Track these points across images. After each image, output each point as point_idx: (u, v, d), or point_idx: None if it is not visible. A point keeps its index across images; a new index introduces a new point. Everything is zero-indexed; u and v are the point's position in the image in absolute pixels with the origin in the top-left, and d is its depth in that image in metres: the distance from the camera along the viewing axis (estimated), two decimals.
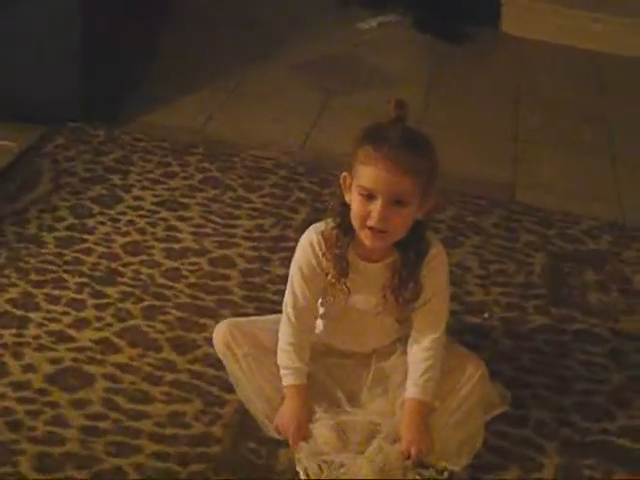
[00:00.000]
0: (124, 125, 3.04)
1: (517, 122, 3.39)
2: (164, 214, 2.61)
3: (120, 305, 2.24)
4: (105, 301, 2.25)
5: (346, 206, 1.85)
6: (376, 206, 1.76)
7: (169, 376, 2.05)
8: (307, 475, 1.81)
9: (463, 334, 2.26)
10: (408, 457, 1.84)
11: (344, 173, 1.84)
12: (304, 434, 1.86)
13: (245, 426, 1.93)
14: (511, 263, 2.56)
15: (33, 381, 1.99)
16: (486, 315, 2.35)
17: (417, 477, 1.83)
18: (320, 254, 1.88)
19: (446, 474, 1.86)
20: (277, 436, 1.89)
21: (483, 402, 1.96)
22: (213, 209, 2.66)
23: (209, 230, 2.56)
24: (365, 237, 1.82)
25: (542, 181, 3.01)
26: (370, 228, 1.79)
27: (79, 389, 1.99)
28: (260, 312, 2.24)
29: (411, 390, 1.89)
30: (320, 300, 1.95)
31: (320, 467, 1.81)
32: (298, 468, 1.83)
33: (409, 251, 1.87)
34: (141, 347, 2.12)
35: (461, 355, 1.98)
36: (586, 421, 2.04)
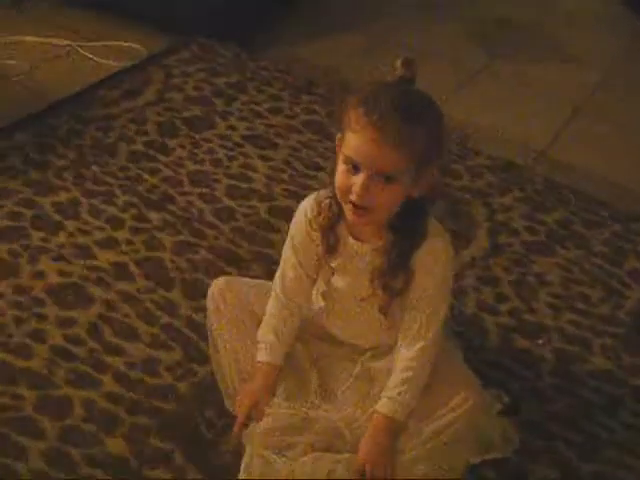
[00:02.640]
0: (256, 51, 2.93)
1: None
2: (248, 149, 2.49)
3: (155, 233, 2.17)
4: (143, 225, 2.19)
5: None
6: (358, 179, 1.53)
7: (165, 318, 1.96)
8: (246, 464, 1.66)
9: (503, 355, 1.99)
10: (360, 476, 1.65)
11: (338, 134, 1.61)
12: (256, 416, 1.70)
13: (211, 391, 1.80)
14: (601, 291, 2.22)
15: (34, 288, 1.98)
16: (540, 342, 2.05)
17: None
18: (311, 222, 1.69)
19: None
20: (233, 411, 1.75)
21: (475, 440, 1.71)
22: (301, 155, 2.50)
23: (286, 176, 2.42)
24: (347, 211, 1.59)
25: None
26: (352, 202, 1.58)
27: (73, 308, 1.95)
28: None
29: (383, 402, 1.67)
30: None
31: (253, 457, 1.66)
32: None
33: (402, 235, 1.62)
34: (154, 281, 2.05)
35: (456, 377, 1.71)
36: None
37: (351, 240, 1.67)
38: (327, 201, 1.67)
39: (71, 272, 2.03)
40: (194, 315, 1.97)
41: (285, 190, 2.37)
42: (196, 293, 2.02)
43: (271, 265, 2.12)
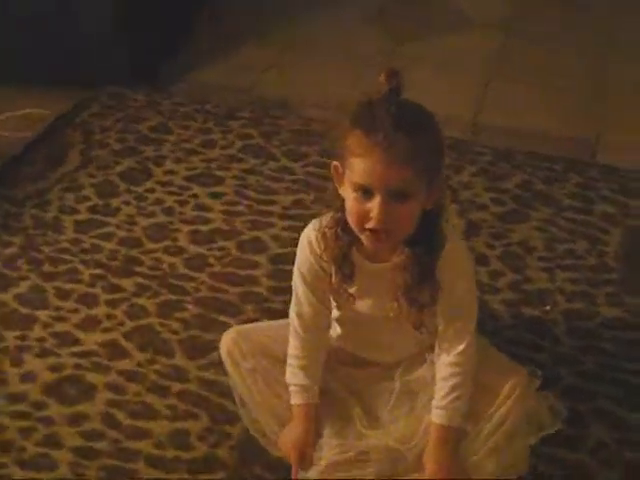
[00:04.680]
0: (167, 87, 2.83)
1: (607, 71, 2.99)
2: (196, 190, 2.39)
3: (134, 300, 2.06)
4: (119, 295, 2.07)
5: (343, 200, 1.57)
6: (375, 204, 1.47)
7: (177, 386, 1.86)
8: None
9: (518, 330, 1.98)
10: None
11: (335, 162, 1.55)
12: (307, 461, 1.63)
13: (252, 447, 1.72)
14: (582, 241, 2.23)
15: (30, 392, 1.84)
16: (548, 307, 2.04)
17: None
18: (319, 254, 1.63)
19: None
20: (281, 454, 1.68)
21: (527, 422, 1.68)
22: (250, 182, 2.42)
23: (242, 208, 2.33)
24: (366, 239, 1.54)
25: (630, 139, 2.63)
26: (371, 230, 1.52)
27: (78, 402, 1.82)
28: (288, 307, 2.01)
29: (436, 413, 1.63)
30: (334, 303, 1.70)
31: None
32: None
33: (421, 247, 1.57)
34: (151, 351, 1.93)
35: (498, 367, 1.68)
36: None
37: (368, 263, 1.62)
38: (333, 231, 1.61)
39: (62, 364, 1.90)
40: (205, 374, 1.87)
41: (247, 222, 2.28)
42: (198, 351, 1.93)
43: (263, 303, 2.06)
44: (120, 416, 1.79)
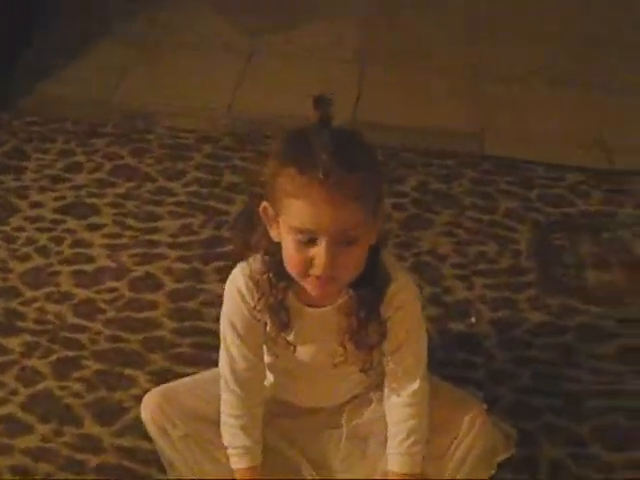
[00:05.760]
0: (15, 106, 2.53)
1: (480, 53, 2.92)
2: (70, 224, 2.15)
3: (25, 362, 1.80)
4: (6, 358, 1.81)
5: (275, 244, 1.40)
6: (320, 250, 1.31)
7: (93, 460, 1.63)
8: None
9: (448, 349, 1.87)
10: None
11: (264, 203, 1.38)
12: None
13: None
14: (492, 242, 2.15)
15: None
16: (473, 320, 1.95)
17: None
18: (252, 304, 1.45)
19: None
20: None
21: (487, 454, 1.58)
22: (129, 209, 2.20)
23: (126, 240, 2.11)
24: (309, 286, 1.37)
25: (512, 126, 2.57)
26: (315, 277, 1.35)
27: None
28: (198, 351, 1.84)
29: (395, 460, 1.49)
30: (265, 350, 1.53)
31: None
32: None
33: (365, 286, 1.42)
34: (55, 421, 1.70)
35: (452, 401, 1.56)
36: (609, 451, 1.68)
37: (308, 309, 1.45)
38: (265, 277, 1.43)
39: None
40: (121, 441, 1.66)
41: (134, 256, 2.06)
42: (108, 415, 1.71)
43: (169, 349, 1.86)
44: None
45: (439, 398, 1.54)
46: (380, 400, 1.56)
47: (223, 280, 1.93)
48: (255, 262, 1.45)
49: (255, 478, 1.49)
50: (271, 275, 1.42)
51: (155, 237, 2.11)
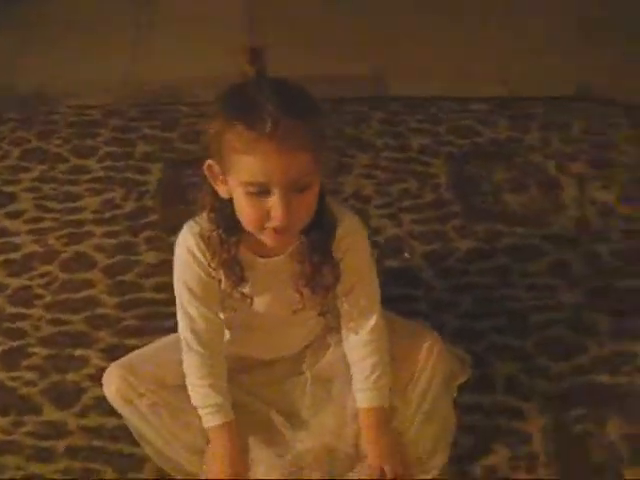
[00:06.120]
0: None
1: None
2: None
3: None
4: None
5: (221, 199, 1.41)
6: (274, 201, 1.32)
7: (61, 444, 1.61)
8: None
9: (389, 286, 1.89)
10: (381, 478, 1.51)
11: (208, 161, 1.38)
12: None
13: None
14: (412, 179, 2.20)
15: None
16: (407, 255, 2.00)
17: None
18: (205, 262, 1.45)
19: None
20: None
21: (447, 380, 1.64)
22: (46, 192, 2.15)
23: (49, 223, 2.07)
24: (267, 238, 1.39)
25: (413, 65, 2.62)
26: (272, 228, 1.36)
27: None
28: (144, 322, 1.83)
29: (362, 397, 1.53)
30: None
31: None
32: None
33: (315, 232, 1.45)
34: (13, 412, 1.67)
35: (410, 332, 1.61)
36: (556, 361, 1.76)
37: (260, 260, 1.47)
38: (215, 234, 1.43)
39: None
40: (86, 421, 1.64)
41: (61, 237, 2.03)
42: (69, 398, 1.69)
43: (115, 324, 1.84)
44: None
45: (395, 332, 1.58)
46: (338, 342, 1.60)
47: (154, 249, 1.95)
48: (201, 221, 1.45)
49: (230, 433, 1.50)
50: (220, 231, 1.43)
51: (78, 216, 2.08)
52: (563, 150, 2.31)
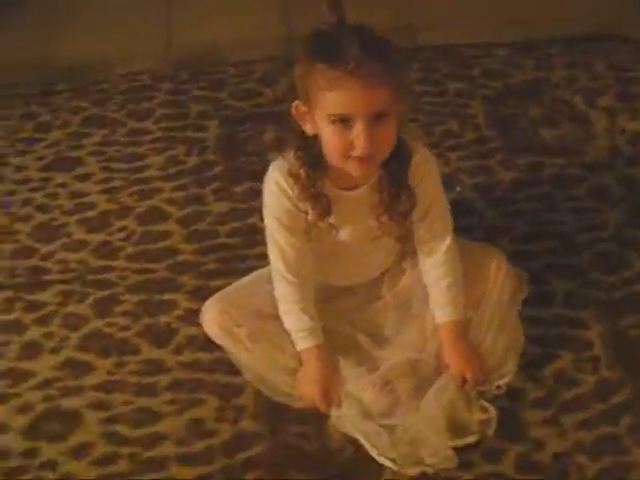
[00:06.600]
0: None
1: None
2: (59, 178, 2.21)
3: (64, 310, 1.88)
4: (45, 311, 1.88)
5: (307, 138, 1.56)
6: (358, 131, 1.47)
7: (163, 379, 1.74)
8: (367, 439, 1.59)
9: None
10: (463, 385, 1.66)
11: (296, 102, 1.53)
12: (333, 398, 1.62)
13: (277, 409, 1.67)
14: (452, 120, 2.34)
15: (10, 444, 1.63)
16: (458, 188, 2.13)
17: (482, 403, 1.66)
18: (294, 196, 1.60)
19: (504, 387, 1.69)
20: (304, 404, 1.64)
21: (513, 294, 1.78)
22: (111, 154, 2.27)
23: (119, 182, 2.19)
24: (352, 168, 1.53)
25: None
26: (356, 157, 1.51)
27: (70, 434, 1.64)
28: (223, 265, 1.95)
29: (441, 313, 1.68)
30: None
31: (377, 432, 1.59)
32: (355, 434, 1.60)
33: (392, 163, 1.60)
34: (115, 354, 1.79)
35: (478, 252, 1.76)
36: (608, 275, 1.89)
37: (343, 193, 1.62)
38: (302, 170, 1.58)
39: (28, 403, 1.69)
40: (182, 357, 1.76)
41: (133, 195, 2.15)
42: (164, 338, 1.81)
43: (196, 268, 1.96)
44: (124, 430, 1.65)
45: (465, 254, 1.72)
46: (413, 267, 1.75)
47: (222, 199, 2.07)
48: (288, 159, 1.60)
49: (321, 355, 1.65)
50: (307, 168, 1.57)
51: (146, 174, 2.20)
52: (590, 86, 2.44)
